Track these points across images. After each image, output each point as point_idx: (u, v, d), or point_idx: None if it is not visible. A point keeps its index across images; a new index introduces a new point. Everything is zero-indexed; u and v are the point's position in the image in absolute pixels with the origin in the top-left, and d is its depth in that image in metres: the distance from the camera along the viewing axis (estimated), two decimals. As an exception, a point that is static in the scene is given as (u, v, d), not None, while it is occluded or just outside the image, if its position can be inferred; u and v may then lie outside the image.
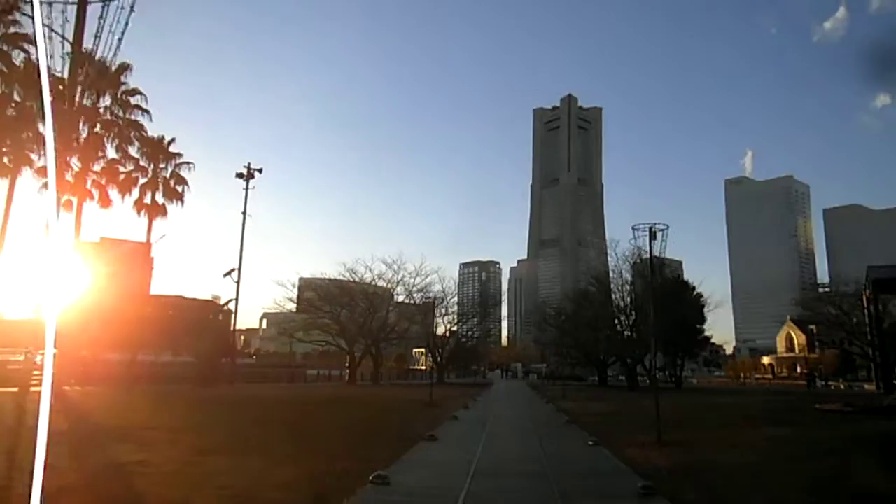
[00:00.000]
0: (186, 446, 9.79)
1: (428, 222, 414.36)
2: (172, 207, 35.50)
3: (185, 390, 29.20)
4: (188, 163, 35.39)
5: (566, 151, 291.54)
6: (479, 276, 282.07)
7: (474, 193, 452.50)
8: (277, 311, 52.63)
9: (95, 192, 30.07)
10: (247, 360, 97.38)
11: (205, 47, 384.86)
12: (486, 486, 7.67)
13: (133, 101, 28.52)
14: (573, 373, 66.94)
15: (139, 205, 34.15)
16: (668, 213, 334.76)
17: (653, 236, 12.94)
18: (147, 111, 29.34)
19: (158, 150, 34.53)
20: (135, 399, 22.44)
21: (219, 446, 9.98)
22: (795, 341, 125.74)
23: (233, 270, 40.47)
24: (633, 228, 13.17)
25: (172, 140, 35.20)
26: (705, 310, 49.55)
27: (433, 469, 8.91)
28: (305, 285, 55.87)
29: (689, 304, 48.21)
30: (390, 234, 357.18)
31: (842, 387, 66.02)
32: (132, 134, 29.00)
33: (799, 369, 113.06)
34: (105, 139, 29.53)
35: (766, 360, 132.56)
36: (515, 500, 7.24)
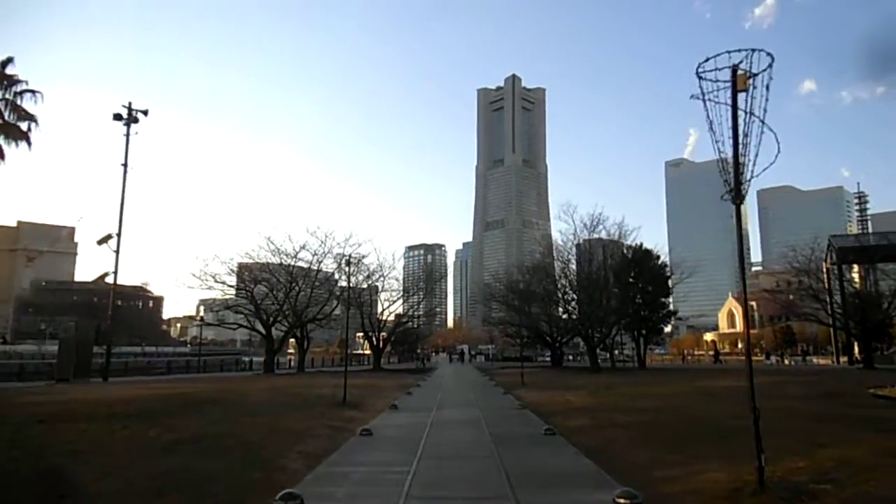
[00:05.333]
0: None
1: (372, 205, 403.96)
2: (14, 152, 27.10)
3: (22, 388, 21.44)
4: (33, 91, 27.01)
5: (510, 131, 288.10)
6: (425, 259, 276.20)
7: (420, 175, 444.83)
8: (220, 297, 44.18)
9: None
10: (179, 349, 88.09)
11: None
12: None
13: None
14: (522, 353, 61.58)
15: (-39, 144, 25.62)
16: (612, 194, 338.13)
17: (740, 84, 6.59)
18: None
19: (-14, 70, 25.97)
20: None
21: None
22: (738, 317, 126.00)
23: (109, 237, 31.98)
24: (697, 75, 6.76)
25: (9, 60, 26.64)
26: (670, 281, 44.78)
27: None
28: (239, 266, 46.90)
29: (653, 275, 43.31)
30: (334, 218, 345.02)
31: (787, 362, 64.02)
32: None
33: (740, 345, 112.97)
34: None
35: (708, 336, 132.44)
36: None
